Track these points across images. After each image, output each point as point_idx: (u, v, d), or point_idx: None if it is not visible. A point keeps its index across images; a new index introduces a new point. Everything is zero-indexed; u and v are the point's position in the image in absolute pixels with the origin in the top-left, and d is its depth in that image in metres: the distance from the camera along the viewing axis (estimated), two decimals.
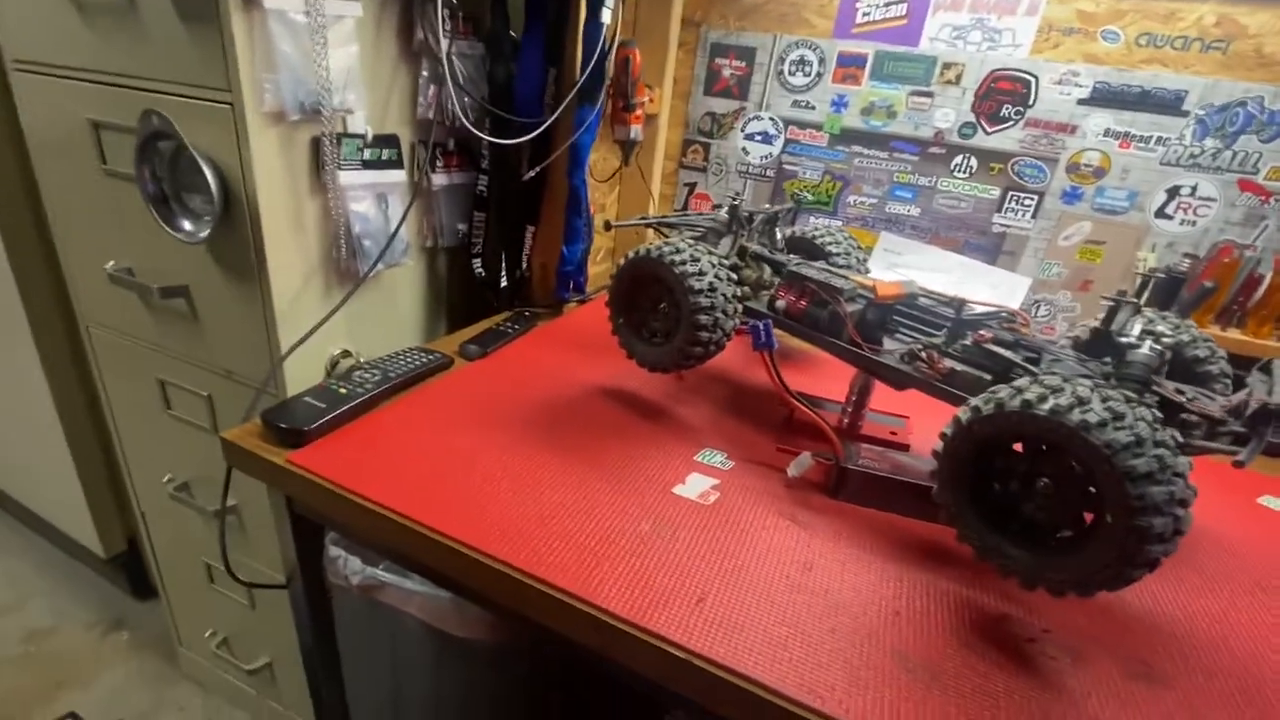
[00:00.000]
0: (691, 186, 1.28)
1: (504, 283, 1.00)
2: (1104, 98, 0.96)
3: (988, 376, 0.57)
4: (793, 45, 1.11)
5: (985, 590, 0.54)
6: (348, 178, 0.79)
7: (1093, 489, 0.42)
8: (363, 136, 0.80)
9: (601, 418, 0.74)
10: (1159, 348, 0.50)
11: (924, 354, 0.60)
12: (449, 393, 0.76)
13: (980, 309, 0.64)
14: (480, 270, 1.00)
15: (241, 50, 0.65)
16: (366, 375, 0.72)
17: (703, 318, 0.66)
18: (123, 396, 1.04)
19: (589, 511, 0.58)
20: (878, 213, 1.14)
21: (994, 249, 1.08)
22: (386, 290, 0.94)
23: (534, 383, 0.80)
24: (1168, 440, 0.40)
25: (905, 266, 1.13)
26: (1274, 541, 0.67)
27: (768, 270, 0.78)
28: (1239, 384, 0.57)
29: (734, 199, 0.78)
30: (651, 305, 0.72)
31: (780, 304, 0.72)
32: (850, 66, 1.08)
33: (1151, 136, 0.95)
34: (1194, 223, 0.96)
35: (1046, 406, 0.42)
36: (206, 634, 1.20)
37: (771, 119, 1.17)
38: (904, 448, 0.72)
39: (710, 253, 0.68)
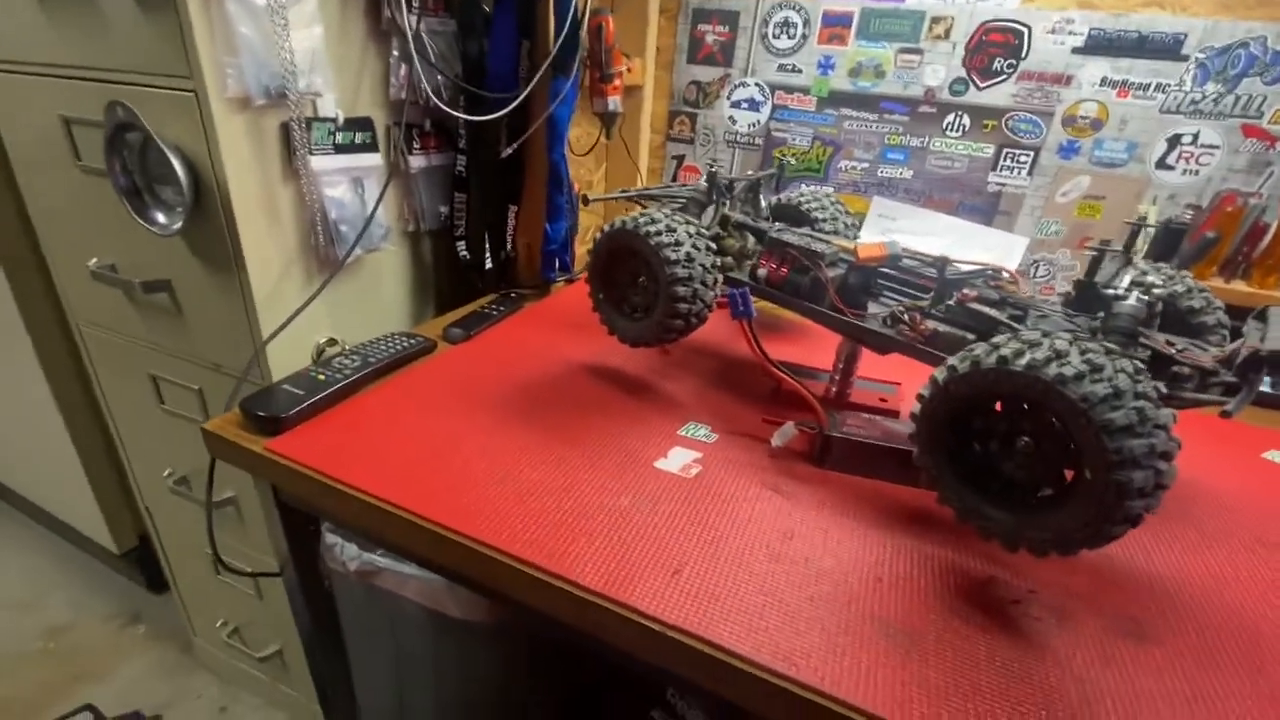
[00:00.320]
0: (680, 159, 1.25)
1: (489, 264, 0.99)
2: (1100, 45, 0.92)
3: (971, 337, 0.55)
4: (776, 6, 1.08)
5: (970, 554, 0.52)
6: (320, 163, 0.78)
7: (1072, 445, 0.41)
8: (334, 120, 0.79)
9: (584, 395, 0.73)
10: (1146, 299, 0.48)
11: (906, 316, 0.59)
12: (431, 376, 0.75)
13: (966, 268, 0.62)
14: (465, 253, 0.99)
15: (200, 35, 0.64)
16: (346, 361, 0.72)
17: (680, 289, 0.64)
18: (119, 394, 1.05)
19: (568, 489, 0.57)
20: (870, 177, 1.12)
21: (990, 209, 1.05)
22: (370, 277, 0.93)
23: (517, 364, 0.79)
24: (1149, 392, 0.39)
25: (899, 231, 1.11)
26: (1276, 496, 0.65)
27: (751, 239, 0.76)
28: (1237, 335, 0.55)
29: (712, 166, 0.76)
30: (630, 279, 0.71)
31: (762, 272, 0.70)
32: (836, 26, 1.05)
33: (1150, 84, 0.91)
34: (1196, 172, 0.92)
35: (1023, 362, 0.41)
36: (218, 624, 1.22)
37: (758, 85, 1.14)
38: (894, 414, 0.71)
39: (688, 222, 0.67)
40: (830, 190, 1.09)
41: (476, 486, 0.57)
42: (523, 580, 0.49)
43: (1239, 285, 0.88)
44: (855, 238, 0.90)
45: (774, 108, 1.14)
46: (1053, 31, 0.94)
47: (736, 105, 1.17)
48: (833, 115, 1.10)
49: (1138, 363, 0.40)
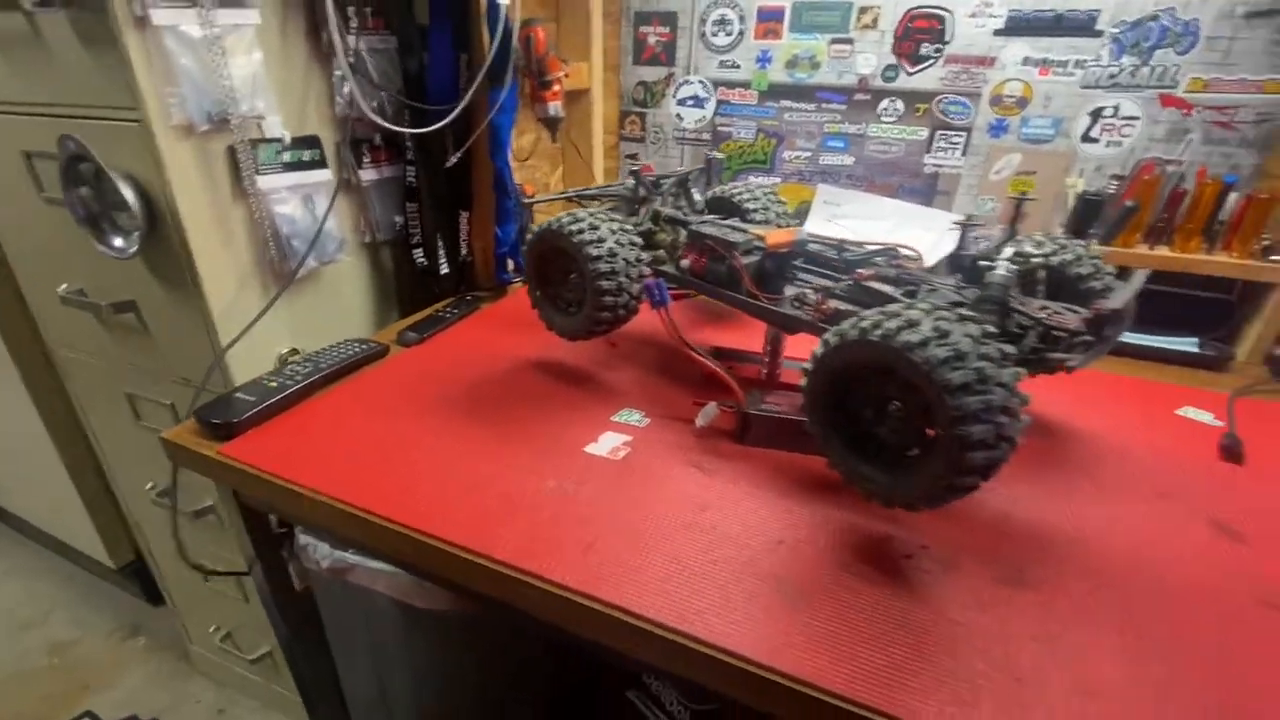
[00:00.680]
0: (634, 158, 1.29)
1: (445, 269, 1.02)
2: (1019, 26, 0.95)
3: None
4: (713, 4, 1.11)
5: (873, 516, 0.56)
6: (269, 182, 0.82)
7: (928, 406, 0.44)
8: (281, 140, 0.83)
9: (528, 390, 0.77)
10: (1014, 268, 0.52)
11: (811, 297, 0.62)
12: (383, 379, 0.79)
13: (869, 248, 0.66)
14: (421, 259, 1.03)
15: (140, 67, 0.68)
16: (298, 369, 0.75)
17: (605, 283, 0.68)
18: (99, 413, 1.09)
19: (500, 477, 0.61)
20: (813, 165, 1.15)
21: (929, 190, 1.09)
22: (330, 288, 0.97)
23: (467, 363, 0.83)
24: (992, 353, 0.42)
25: (846, 217, 1.14)
26: (1182, 450, 0.68)
27: (683, 232, 0.80)
28: None
29: (634, 165, 0.80)
30: (562, 276, 0.74)
31: (685, 263, 0.74)
32: (770, 21, 1.08)
33: (1069, 60, 0.94)
34: (1120, 143, 0.95)
35: (879, 332, 0.44)
36: (211, 630, 1.27)
37: (701, 82, 1.17)
38: None
39: (612, 219, 0.70)
40: (764, 181, 1.13)
41: (414, 479, 0.60)
42: (448, 559, 0.53)
43: (1163, 250, 0.91)
44: (792, 224, 0.94)
45: (718, 103, 1.17)
46: (974, 15, 0.97)
47: (682, 103, 1.20)
48: (774, 108, 1.14)
49: (987, 327, 0.44)
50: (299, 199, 0.86)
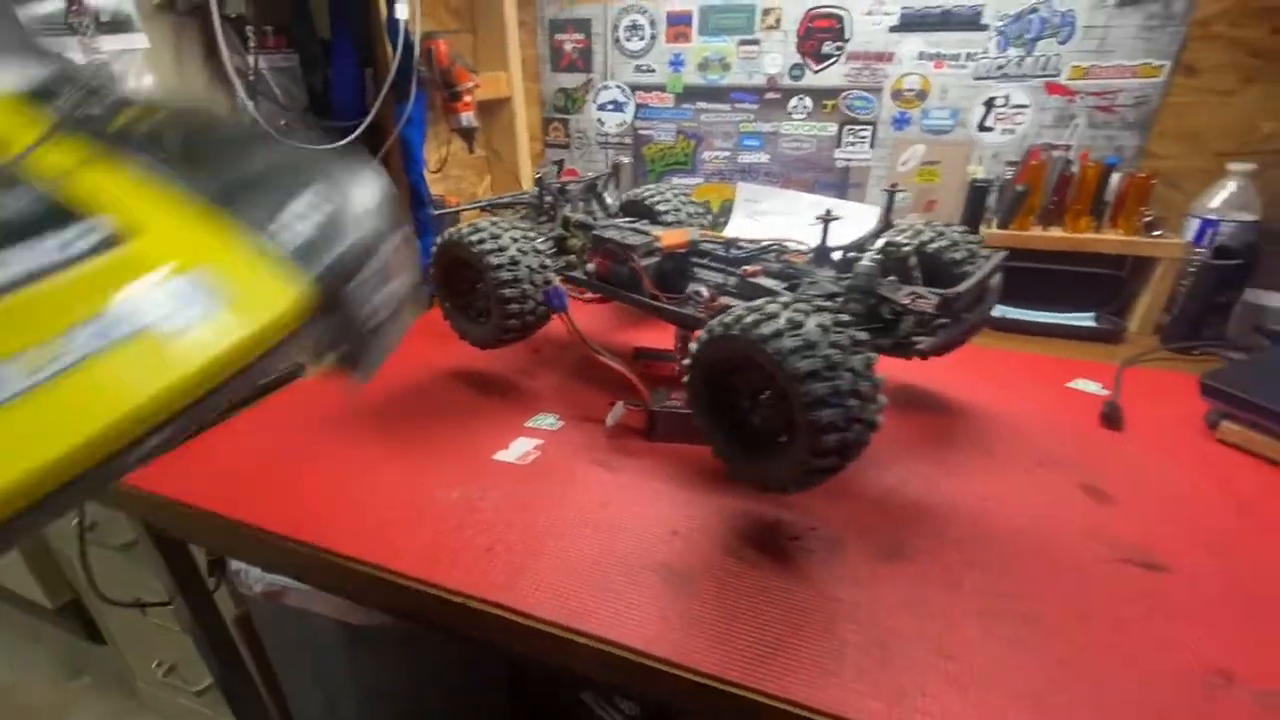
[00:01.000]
0: (560, 163, 1.30)
1: None
2: (912, 22, 0.99)
3: None
4: (624, 11, 1.13)
5: (765, 501, 0.58)
6: None
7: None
8: None
9: (444, 400, 0.77)
10: (878, 258, 0.54)
11: (705, 295, 0.64)
12: (297, 398, 0.79)
13: (762, 243, 0.68)
14: None
15: None
16: None
17: (508, 291, 0.69)
18: None
19: (406, 489, 0.61)
20: (732, 165, 1.18)
21: (842, 184, 1.12)
22: None
23: (386, 376, 0.83)
24: (842, 341, 0.44)
25: (767, 213, 1.17)
26: (1068, 420, 0.72)
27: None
28: None
29: (538, 173, 0.81)
30: (468, 286, 0.75)
31: (591, 267, 0.75)
32: (679, 25, 1.11)
33: (961, 54, 0.99)
34: (1013, 131, 1.00)
35: (739, 327, 0.46)
36: (154, 665, 1.24)
37: (619, 87, 1.19)
38: None
39: (515, 228, 0.71)
40: (687, 182, 1.15)
41: (319, 497, 0.61)
42: (351, 575, 0.53)
43: (1056, 231, 0.96)
44: (706, 224, 0.96)
45: (637, 107, 1.19)
46: (869, 13, 1.00)
47: (603, 108, 1.22)
48: (690, 109, 1.16)
49: (841, 316, 0.46)
50: None
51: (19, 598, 1.50)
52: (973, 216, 0.90)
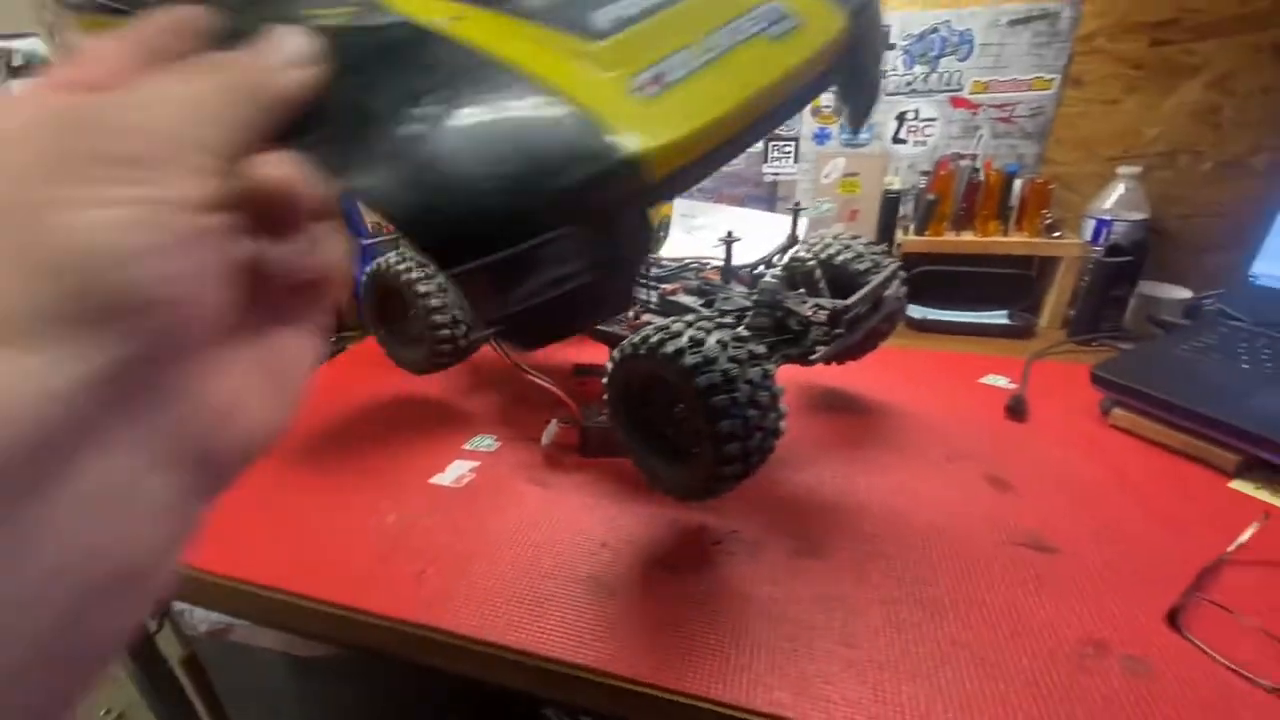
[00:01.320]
0: None
1: None
2: None
3: None
4: None
5: (691, 510, 0.61)
6: None
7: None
8: None
9: (383, 426, 0.78)
10: (783, 274, 0.58)
11: (628, 314, 0.67)
12: None
13: (682, 262, 0.71)
14: None
15: None
16: None
17: (438, 318, 0.71)
18: None
19: (345, 516, 0.62)
20: None
21: (771, 197, 1.17)
22: None
23: (325, 405, 0.84)
24: (740, 356, 0.47)
25: (703, 228, 1.21)
26: (977, 414, 0.77)
27: None
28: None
29: None
30: (401, 314, 0.76)
31: None
32: None
33: None
34: (924, 143, 1.06)
35: (646, 346, 0.49)
36: (103, 713, 1.20)
37: None
38: None
39: None
40: None
41: (256, 533, 0.61)
42: (289, 609, 0.54)
43: (968, 235, 1.01)
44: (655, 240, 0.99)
45: None
46: None
47: None
48: None
49: (740, 331, 0.49)
50: None
51: None
52: (886, 225, 0.95)
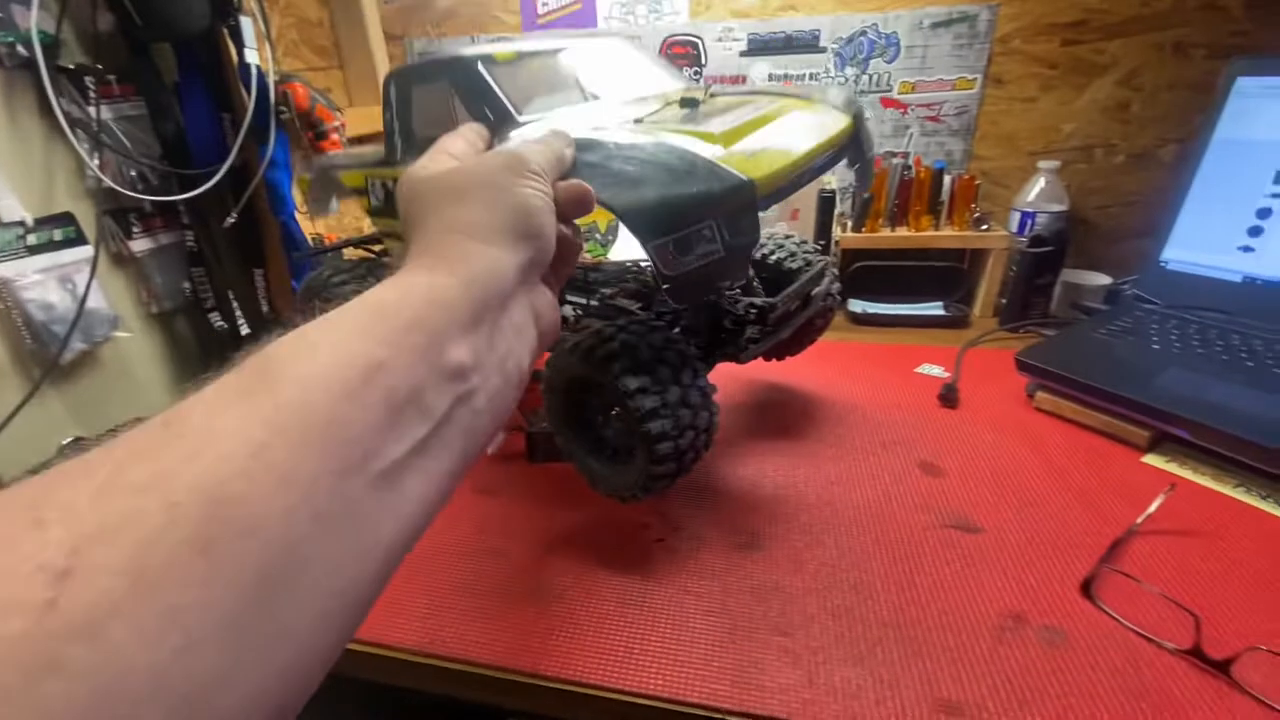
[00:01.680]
0: None
1: (246, 330, 1.00)
2: (759, 47, 1.07)
3: None
4: (490, 43, 1.16)
5: (634, 509, 0.62)
6: (11, 269, 0.77)
7: None
8: (21, 223, 0.78)
9: None
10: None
11: (569, 318, 0.68)
12: None
13: (622, 265, 0.72)
14: (220, 323, 1.00)
15: None
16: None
17: None
18: None
19: None
20: None
21: None
22: (115, 366, 0.92)
23: None
24: (670, 358, 0.49)
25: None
26: (912, 403, 0.80)
27: None
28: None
29: None
30: None
31: None
32: None
33: (805, 74, 1.07)
34: None
35: (579, 351, 0.50)
36: None
37: None
38: None
39: (386, 267, 0.72)
40: None
41: None
42: None
43: (904, 231, 1.05)
44: (603, 245, 1.00)
45: None
46: (720, 40, 1.07)
47: None
48: None
49: (671, 334, 0.50)
50: (54, 280, 0.81)
51: None
52: (822, 224, 0.98)
